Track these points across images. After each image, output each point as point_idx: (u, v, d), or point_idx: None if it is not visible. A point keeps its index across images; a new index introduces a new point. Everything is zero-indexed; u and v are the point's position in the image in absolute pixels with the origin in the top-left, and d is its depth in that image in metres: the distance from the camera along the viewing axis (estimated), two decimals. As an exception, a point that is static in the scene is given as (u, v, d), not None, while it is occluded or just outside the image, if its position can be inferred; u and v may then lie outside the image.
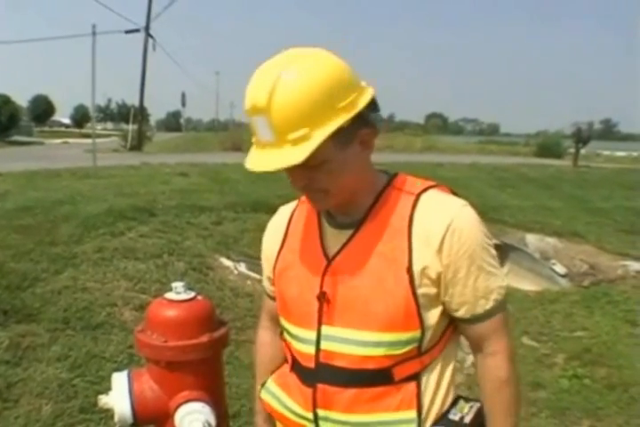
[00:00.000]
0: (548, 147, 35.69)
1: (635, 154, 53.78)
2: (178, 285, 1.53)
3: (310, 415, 1.33)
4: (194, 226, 6.44)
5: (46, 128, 62.84)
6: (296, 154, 1.10)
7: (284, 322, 1.43)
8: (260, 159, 1.17)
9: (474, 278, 1.24)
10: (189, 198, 7.69)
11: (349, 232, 1.28)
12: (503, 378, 1.29)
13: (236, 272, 5.20)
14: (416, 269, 1.22)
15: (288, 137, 1.12)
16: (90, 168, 10.07)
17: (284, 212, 1.47)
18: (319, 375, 1.31)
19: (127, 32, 19.60)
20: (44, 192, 7.31)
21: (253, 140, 1.20)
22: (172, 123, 78.51)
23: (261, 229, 5.27)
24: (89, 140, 14.47)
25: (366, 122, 1.20)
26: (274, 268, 1.43)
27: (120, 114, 71.88)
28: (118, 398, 1.54)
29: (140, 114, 22.24)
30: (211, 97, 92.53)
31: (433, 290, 1.23)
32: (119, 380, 1.56)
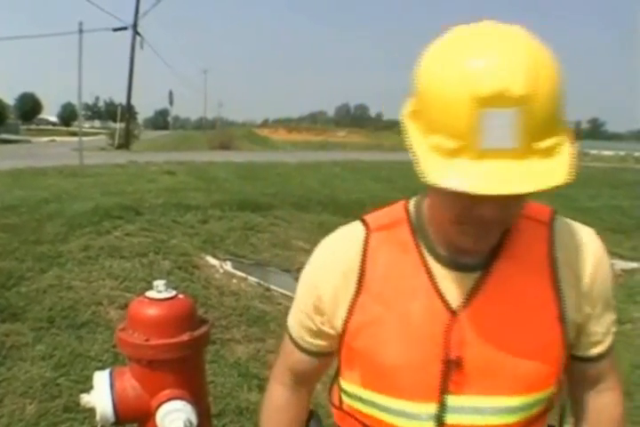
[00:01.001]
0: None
1: (622, 153, 54.30)
2: (159, 283, 1.52)
3: None
4: (180, 224, 6.45)
5: (33, 126, 62.56)
6: (558, 166, 0.81)
7: (369, 393, 1.08)
8: (500, 174, 0.78)
9: (606, 315, 1.07)
10: (176, 197, 7.70)
11: (475, 275, 0.99)
12: (621, 414, 1.15)
13: (221, 271, 5.21)
14: (568, 316, 1.01)
15: (538, 145, 0.80)
16: (76, 166, 10.07)
17: (352, 239, 1.07)
18: None
19: (115, 30, 19.52)
20: (30, 191, 7.29)
21: (451, 142, 0.79)
22: (160, 121, 78.53)
23: (248, 227, 5.29)
24: (76, 139, 14.41)
25: None
26: (346, 321, 1.06)
27: (108, 112, 71.87)
28: (100, 396, 1.53)
29: (128, 112, 22.14)
30: (198, 96, 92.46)
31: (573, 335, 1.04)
32: (101, 378, 1.56)
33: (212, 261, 5.35)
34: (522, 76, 0.75)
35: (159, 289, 1.53)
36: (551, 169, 0.79)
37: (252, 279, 5.06)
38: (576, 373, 1.12)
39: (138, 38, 20.72)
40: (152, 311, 1.52)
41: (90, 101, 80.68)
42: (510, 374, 0.99)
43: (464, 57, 0.79)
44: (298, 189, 10.09)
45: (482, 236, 0.92)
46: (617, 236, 12.91)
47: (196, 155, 16.31)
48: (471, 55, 0.79)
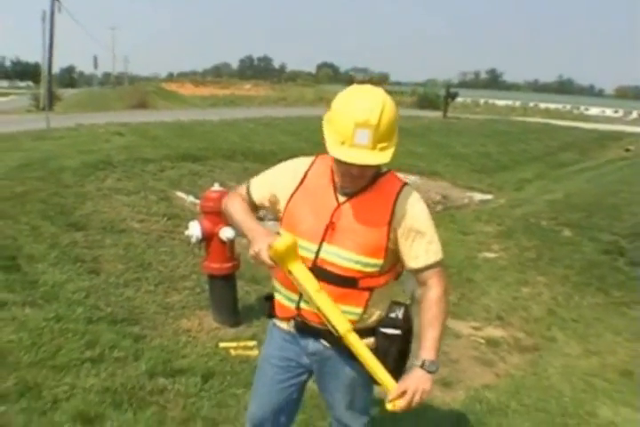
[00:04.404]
0: (428, 98, 38.43)
1: (517, 103, 57.59)
2: (216, 185, 4.15)
3: (296, 297, 2.03)
4: (146, 173, 8.62)
5: None
6: (384, 156, 1.81)
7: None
8: (360, 156, 1.78)
9: (419, 241, 1.99)
10: (133, 153, 9.61)
11: (350, 195, 1.97)
12: (437, 302, 2.00)
13: (188, 201, 7.75)
14: (392, 229, 1.94)
15: (378, 145, 1.79)
16: (42, 131, 11.84)
17: (304, 163, 2.08)
18: (313, 273, 1.94)
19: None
20: (23, 152, 9.05)
21: (339, 139, 1.80)
22: (66, 79, 76.53)
23: (193, 173, 8.30)
24: None
25: None
26: (290, 198, 2.03)
27: (15, 72, 69.57)
28: (194, 229, 4.09)
29: (49, 74, 23.31)
30: (104, 52, 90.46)
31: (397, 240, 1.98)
32: (193, 222, 4.14)
33: (181, 195, 7.87)
34: (374, 115, 1.74)
35: (216, 187, 4.14)
36: (380, 156, 1.80)
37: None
38: (415, 277, 2.03)
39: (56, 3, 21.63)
40: (214, 194, 4.14)
41: (-7, 61, 77.06)
42: (356, 241, 1.93)
43: (351, 101, 1.81)
44: (224, 143, 12.31)
45: (353, 181, 1.92)
46: (480, 175, 16.16)
47: (123, 115, 18.00)
48: (354, 101, 1.81)
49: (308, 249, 1.98)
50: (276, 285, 2.14)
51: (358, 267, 1.95)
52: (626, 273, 6.90)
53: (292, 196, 2.04)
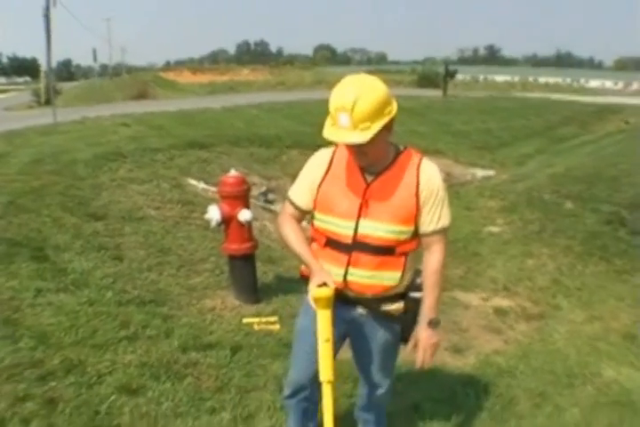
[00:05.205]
0: (427, 77, 38.31)
1: (517, 79, 57.37)
2: (232, 171, 4.38)
3: (342, 271, 2.26)
4: (156, 162, 8.86)
5: None
6: (363, 136, 2.03)
7: (324, 216, 2.28)
8: (340, 136, 2.05)
9: (434, 209, 2.23)
10: (141, 143, 9.86)
11: (377, 174, 2.21)
12: (438, 265, 2.32)
13: (200, 187, 7.98)
14: (418, 193, 2.19)
15: (359, 126, 2.02)
16: (48, 126, 12.08)
17: (326, 152, 2.32)
18: (354, 247, 2.22)
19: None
20: (33, 148, 9.30)
21: (330, 122, 2.09)
22: (64, 72, 76.56)
23: (201, 161, 8.57)
24: None
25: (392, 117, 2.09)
26: (320, 183, 2.27)
27: (12, 68, 69.61)
28: (213, 212, 4.33)
29: (50, 68, 23.35)
30: (101, 43, 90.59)
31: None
32: (212, 207, 4.38)
33: (192, 182, 8.10)
34: (349, 100, 1.99)
35: (233, 173, 4.37)
36: (360, 136, 2.03)
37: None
38: (421, 241, 2.30)
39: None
40: (231, 179, 4.38)
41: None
42: (390, 213, 2.19)
43: (336, 89, 2.06)
44: (228, 129, 12.55)
45: (360, 159, 2.18)
46: (482, 151, 16.33)
47: (126, 106, 18.26)
48: (340, 88, 2.05)
49: (346, 227, 2.23)
50: (321, 262, 2.32)
51: (394, 236, 2.22)
52: (627, 242, 7.14)
53: (321, 182, 2.28)
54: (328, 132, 2.10)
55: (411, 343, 2.36)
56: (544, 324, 5.02)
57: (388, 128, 2.11)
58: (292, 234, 2.36)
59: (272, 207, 8.18)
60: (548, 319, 5.12)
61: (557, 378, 3.98)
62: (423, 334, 2.32)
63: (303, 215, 2.42)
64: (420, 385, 3.63)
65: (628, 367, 4.20)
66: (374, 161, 2.21)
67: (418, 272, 2.37)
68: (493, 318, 5.07)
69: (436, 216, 2.25)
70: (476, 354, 4.32)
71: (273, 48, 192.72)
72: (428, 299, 2.31)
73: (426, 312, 2.31)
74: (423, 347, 2.32)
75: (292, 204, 2.39)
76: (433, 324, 2.31)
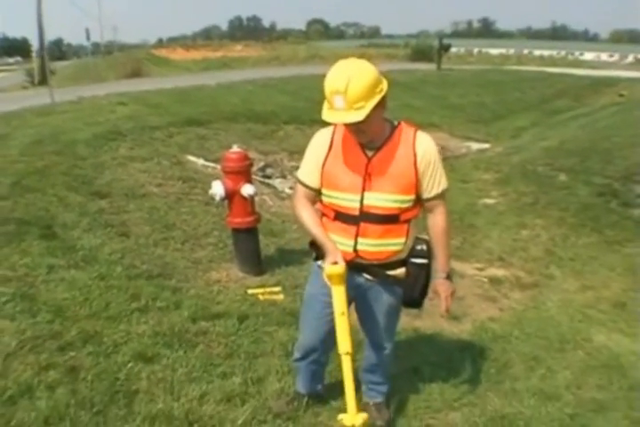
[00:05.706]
0: (421, 50, 38.09)
1: (511, 51, 56.99)
2: (235, 147, 4.50)
3: (352, 242, 2.46)
4: (155, 140, 9.00)
5: None
6: (359, 115, 2.17)
7: (331, 192, 2.45)
8: (337, 116, 2.22)
9: (433, 176, 2.42)
10: (139, 121, 9.94)
11: (376, 149, 2.37)
12: (444, 225, 2.57)
13: (200, 163, 8.10)
14: (417, 163, 2.37)
15: (354, 106, 2.17)
16: (46, 107, 12.04)
17: (326, 132, 2.47)
18: (361, 218, 2.41)
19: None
20: (32, 128, 9.29)
21: (327, 106, 2.24)
22: (55, 51, 75.75)
23: (199, 137, 8.69)
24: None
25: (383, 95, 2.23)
26: (324, 162, 2.43)
27: (3, 48, 68.80)
28: (217, 188, 4.45)
29: (42, 49, 23.25)
30: (92, 22, 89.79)
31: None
32: (216, 182, 4.50)
33: (192, 158, 8.22)
34: (342, 83, 2.15)
35: (235, 149, 4.50)
36: (355, 115, 2.18)
37: (217, 166, 7.76)
38: (424, 206, 2.50)
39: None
40: (234, 155, 4.50)
41: (-25, 37, 76.02)
42: (392, 184, 2.36)
43: (329, 73, 2.21)
44: (225, 106, 12.55)
45: (359, 136, 2.33)
46: (477, 125, 16.38)
47: (120, 85, 18.14)
48: (332, 73, 2.21)
49: (353, 200, 2.41)
50: (331, 235, 2.50)
51: (397, 204, 2.41)
52: (619, 213, 7.31)
53: (325, 161, 2.44)
54: (326, 115, 2.25)
55: (431, 293, 2.64)
56: (538, 292, 5.18)
57: (381, 105, 2.26)
58: (308, 218, 2.52)
59: (270, 182, 8.29)
60: (541, 288, 5.28)
61: (550, 343, 4.17)
62: (442, 285, 2.62)
63: (315, 194, 2.56)
64: (420, 350, 3.83)
65: (617, 333, 4.39)
66: (372, 137, 2.36)
67: (418, 240, 2.56)
68: (489, 286, 5.24)
69: (436, 182, 2.44)
70: (472, 321, 4.50)
71: (266, 23, 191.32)
72: (441, 256, 2.59)
73: (440, 267, 2.61)
74: (445, 295, 2.62)
75: (304, 184, 2.54)
76: (450, 277, 2.64)
